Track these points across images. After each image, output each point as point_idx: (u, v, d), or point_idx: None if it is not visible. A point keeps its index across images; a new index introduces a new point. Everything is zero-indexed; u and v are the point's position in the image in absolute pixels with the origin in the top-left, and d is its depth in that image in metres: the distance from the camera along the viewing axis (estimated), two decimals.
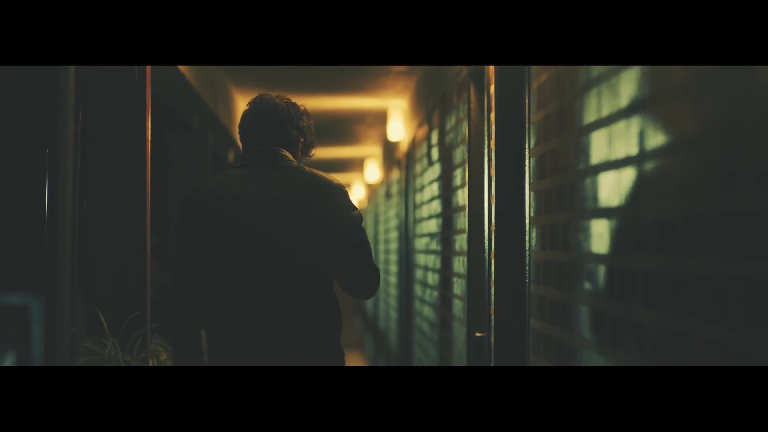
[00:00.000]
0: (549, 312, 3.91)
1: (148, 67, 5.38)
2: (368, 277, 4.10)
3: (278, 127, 4.27)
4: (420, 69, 9.08)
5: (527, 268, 4.32)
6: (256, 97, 4.39)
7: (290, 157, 4.23)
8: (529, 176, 4.27)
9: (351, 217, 4.08)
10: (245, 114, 4.39)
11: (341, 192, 4.12)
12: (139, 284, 5.46)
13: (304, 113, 4.36)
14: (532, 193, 4.24)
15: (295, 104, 4.35)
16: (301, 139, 4.31)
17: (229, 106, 9.60)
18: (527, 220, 4.31)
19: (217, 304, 4.09)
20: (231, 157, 11.03)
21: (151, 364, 5.41)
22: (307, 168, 4.20)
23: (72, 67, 5.13)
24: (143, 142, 5.47)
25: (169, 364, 5.80)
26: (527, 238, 4.32)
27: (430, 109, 8.48)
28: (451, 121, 7.02)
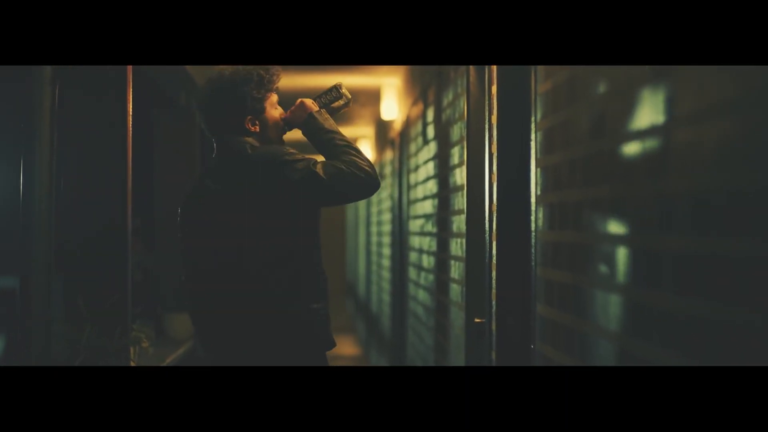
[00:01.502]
0: (558, 297, 3.64)
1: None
2: (355, 187, 4.03)
3: (214, 117, 4.22)
4: None
5: (533, 249, 4.04)
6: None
7: (237, 141, 4.13)
8: (536, 151, 3.99)
9: (297, 177, 3.98)
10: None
11: (273, 164, 4.00)
12: (120, 266, 5.18)
13: (238, 81, 4.19)
14: (538, 169, 3.96)
15: (221, 78, 4.20)
16: (248, 117, 4.18)
17: None
18: (533, 199, 4.03)
19: (194, 299, 4.13)
20: None
21: (132, 352, 5.14)
22: (250, 150, 4.08)
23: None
24: (124, 116, 5.18)
25: (150, 351, 5.53)
26: (533, 218, 4.04)
27: (425, 85, 8.21)
28: (448, 97, 6.75)
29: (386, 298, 12.89)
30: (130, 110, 5.14)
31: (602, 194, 3.10)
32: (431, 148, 7.72)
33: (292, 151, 4.08)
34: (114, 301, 5.04)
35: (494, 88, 4.79)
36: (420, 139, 8.56)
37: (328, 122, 4.24)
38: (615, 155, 2.98)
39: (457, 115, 6.28)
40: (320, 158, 4.16)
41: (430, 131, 7.77)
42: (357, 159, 4.07)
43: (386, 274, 13.12)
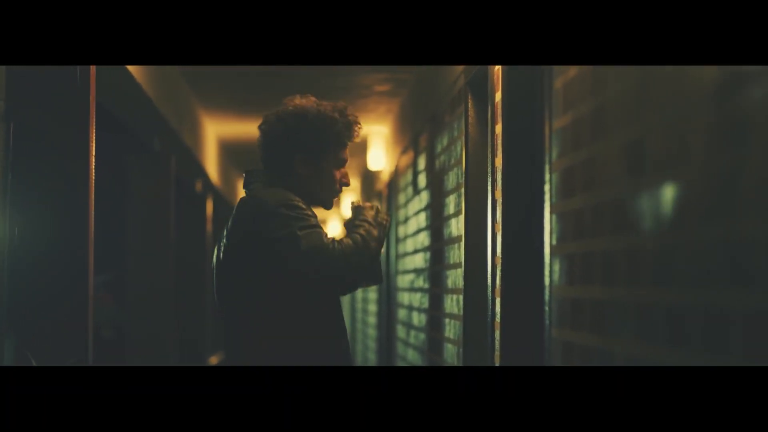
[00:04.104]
0: (581, 360, 3.14)
1: (93, 68, 4.63)
2: (332, 270, 3.60)
3: (266, 149, 3.80)
4: (405, 90, 8.37)
5: (547, 307, 3.55)
6: None
7: (263, 179, 3.74)
8: (551, 196, 3.50)
9: (276, 236, 3.57)
10: None
11: (259, 212, 3.61)
12: (79, 325, 4.67)
13: (311, 117, 3.76)
14: (554, 216, 3.48)
15: (298, 109, 3.77)
16: (298, 156, 3.73)
17: (195, 128, 8.87)
18: (547, 250, 3.54)
19: None
20: (199, 186, 10.29)
21: None
22: (261, 191, 3.69)
23: (2, 70, 4.37)
24: (86, 159, 4.69)
25: None
26: (547, 271, 3.54)
27: (416, 132, 7.75)
28: (442, 143, 6.30)
29: (372, 357, 12.46)
30: (93, 145, 4.64)
31: (640, 243, 2.61)
32: (423, 198, 7.27)
33: (296, 204, 3.60)
34: (72, 364, 4.53)
35: (498, 127, 4.32)
36: (410, 189, 8.12)
37: (368, 212, 3.78)
38: (658, 196, 2.49)
39: (453, 161, 5.82)
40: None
41: (422, 180, 7.32)
42: (357, 247, 3.60)
43: (372, 332, 12.69)
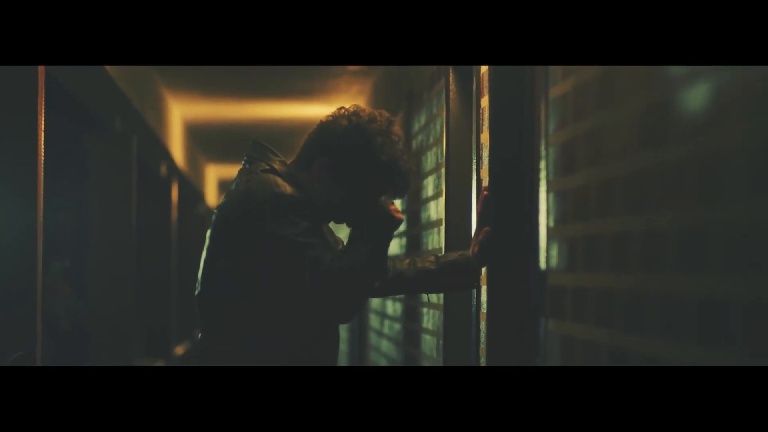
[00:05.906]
0: (582, 358, 2.82)
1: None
2: (330, 301, 3.34)
3: (315, 133, 3.43)
4: (378, 69, 8.06)
5: (541, 297, 3.23)
6: None
7: (268, 157, 3.38)
8: (548, 173, 3.17)
9: (279, 238, 3.25)
10: None
11: (261, 208, 3.26)
12: (29, 316, 4.36)
13: (357, 132, 3.41)
14: (551, 195, 3.14)
15: (356, 117, 3.45)
16: (324, 159, 3.37)
17: (159, 109, 8.57)
18: (543, 232, 3.21)
19: None
20: (163, 169, 9.98)
21: None
22: (260, 172, 3.33)
23: None
24: (35, 140, 4.37)
25: None
26: (543, 257, 3.22)
27: (390, 111, 7.45)
28: (420, 121, 6.00)
29: (342, 347, 12.19)
30: (42, 124, 4.34)
31: (660, 223, 2.28)
32: None
33: (297, 202, 3.28)
34: (18, 357, 4.22)
35: (485, 101, 3.99)
36: None
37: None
38: (685, 169, 2.15)
39: (432, 140, 5.52)
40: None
41: None
42: (349, 271, 3.30)
43: None
